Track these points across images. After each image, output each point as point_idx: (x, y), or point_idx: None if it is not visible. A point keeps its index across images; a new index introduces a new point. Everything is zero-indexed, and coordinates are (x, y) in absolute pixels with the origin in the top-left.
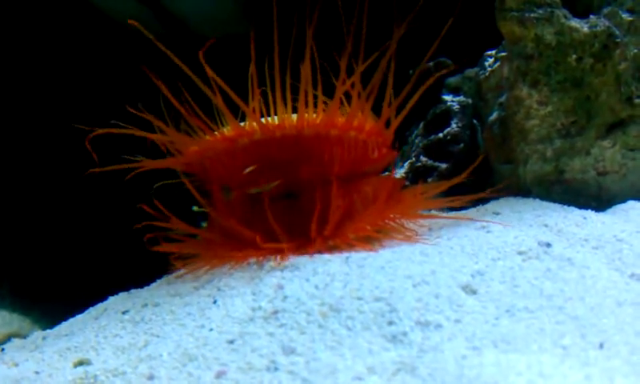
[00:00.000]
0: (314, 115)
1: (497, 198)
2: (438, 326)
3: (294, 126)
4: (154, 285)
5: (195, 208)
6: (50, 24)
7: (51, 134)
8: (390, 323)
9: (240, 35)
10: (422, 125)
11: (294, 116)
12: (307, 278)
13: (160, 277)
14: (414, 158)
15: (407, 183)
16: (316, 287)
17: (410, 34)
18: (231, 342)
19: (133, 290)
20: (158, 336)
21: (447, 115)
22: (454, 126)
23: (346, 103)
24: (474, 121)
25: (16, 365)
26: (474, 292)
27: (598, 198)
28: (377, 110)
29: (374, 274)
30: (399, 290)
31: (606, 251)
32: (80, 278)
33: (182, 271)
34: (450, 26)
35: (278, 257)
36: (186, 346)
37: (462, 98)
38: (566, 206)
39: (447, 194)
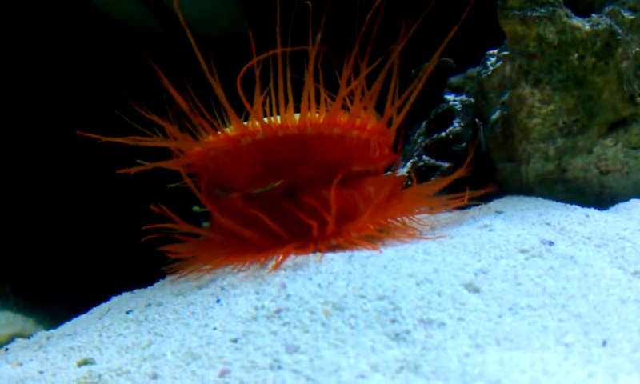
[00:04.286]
0: (317, 115)
1: (499, 197)
2: (441, 324)
3: (296, 126)
4: (157, 284)
5: (196, 208)
6: (52, 25)
7: (54, 134)
8: (393, 321)
9: (242, 35)
10: (424, 124)
11: (297, 115)
12: (310, 276)
13: (163, 277)
14: (416, 158)
15: (409, 182)
16: (319, 286)
17: (412, 32)
18: (235, 340)
19: (136, 290)
20: (161, 335)
21: (449, 114)
22: (456, 125)
23: (348, 102)
24: (477, 120)
25: (20, 364)
26: (476, 290)
27: (600, 197)
28: (379, 110)
29: (376, 273)
30: (402, 288)
31: (608, 249)
32: (83, 278)
33: (185, 271)
34: (451, 25)
35: (281, 256)
36: (190, 345)
37: (464, 98)
38: (568, 205)
39: (449, 192)
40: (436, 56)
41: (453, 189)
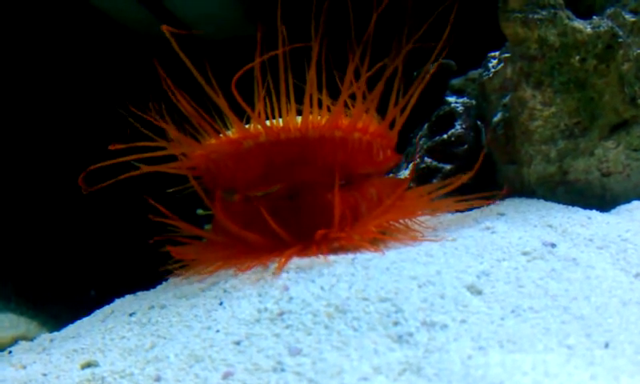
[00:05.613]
0: (319, 117)
1: (501, 199)
2: (444, 327)
3: (298, 128)
4: (160, 287)
5: (200, 211)
6: (52, 26)
7: (56, 136)
8: (396, 324)
9: (244, 37)
10: (426, 126)
11: (299, 118)
12: (313, 279)
13: (166, 279)
14: (418, 160)
15: (411, 184)
16: (322, 288)
17: (414, 34)
18: (238, 343)
19: (139, 293)
20: (164, 338)
21: (451, 117)
22: (458, 127)
23: (350, 105)
24: (478, 122)
25: (24, 367)
26: (479, 292)
27: (602, 199)
28: (380, 112)
29: (379, 275)
30: (405, 290)
31: (610, 251)
32: (86, 281)
33: (188, 273)
34: (453, 27)
35: (283, 258)
36: (193, 348)
37: (465, 100)
38: (570, 207)
39: (451, 194)
40: (432, 60)
41: (454, 190)
